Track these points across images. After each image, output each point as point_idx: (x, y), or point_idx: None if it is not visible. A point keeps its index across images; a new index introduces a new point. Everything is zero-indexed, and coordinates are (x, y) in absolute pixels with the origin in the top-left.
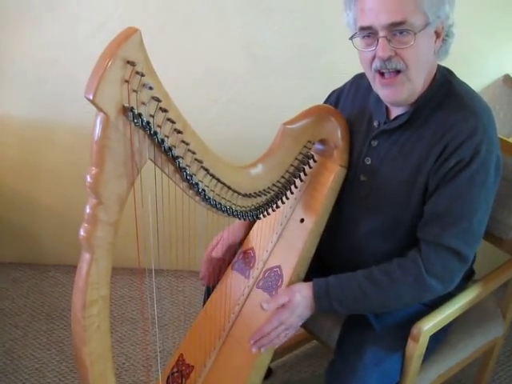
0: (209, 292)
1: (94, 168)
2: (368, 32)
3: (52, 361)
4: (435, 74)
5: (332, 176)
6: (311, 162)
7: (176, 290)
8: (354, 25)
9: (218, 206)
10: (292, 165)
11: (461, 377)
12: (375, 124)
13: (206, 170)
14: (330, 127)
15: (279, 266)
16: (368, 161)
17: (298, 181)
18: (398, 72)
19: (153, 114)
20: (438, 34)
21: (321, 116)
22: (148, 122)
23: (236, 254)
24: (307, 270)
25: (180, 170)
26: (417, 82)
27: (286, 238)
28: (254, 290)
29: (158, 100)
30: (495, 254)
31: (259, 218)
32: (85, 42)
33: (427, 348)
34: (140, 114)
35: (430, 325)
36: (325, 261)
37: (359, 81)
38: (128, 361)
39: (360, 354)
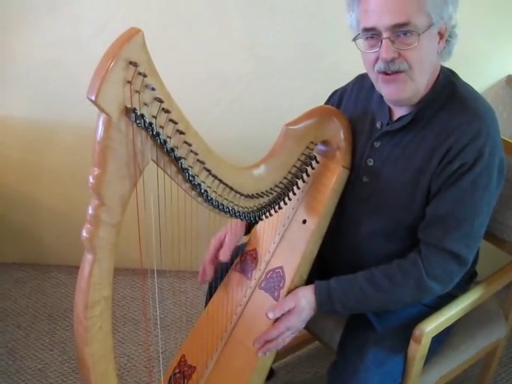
0: (211, 293)
1: (96, 169)
2: (371, 33)
3: (54, 361)
4: (438, 75)
5: (334, 177)
6: (314, 163)
7: (178, 290)
8: (356, 26)
9: (221, 206)
10: (294, 166)
11: (463, 378)
12: (378, 125)
13: (209, 170)
14: (332, 128)
15: (281, 267)
16: (370, 162)
17: (300, 182)
18: (401, 72)
19: (155, 114)
20: (441, 35)
21: (323, 117)
22: (150, 123)
23: (237, 254)
24: (309, 271)
25: (182, 170)
26: (420, 83)
27: (288, 239)
28: (256, 291)
29: (161, 101)
30: (498, 256)
31: (261, 219)
32: (87, 43)
33: (429, 349)
34: (142, 115)
35: (432, 326)
36: (327, 262)
37: (362, 81)
38: (130, 361)
39: (362, 356)
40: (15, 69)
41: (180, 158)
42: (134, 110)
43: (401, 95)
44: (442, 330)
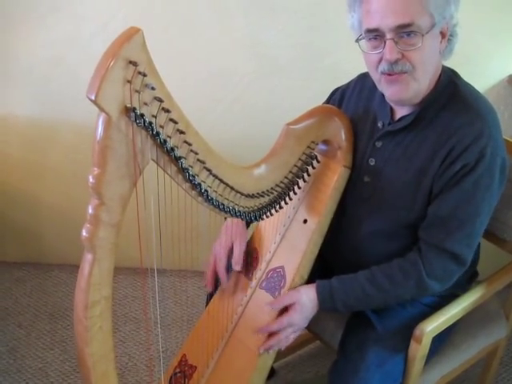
0: (212, 292)
1: (96, 168)
2: (375, 34)
3: (55, 360)
4: (440, 75)
5: (335, 177)
6: (315, 162)
7: (179, 289)
8: (358, 27)
9: (221, 206)
10: (295, 165)
11: (464, 378)
12: (379, 125)
13: (209, 170)
14: (333, 128)
15: (282, 267)
16: (372, 162)
17: (301, 181)
18: (404, 72)
19: (155, 114)
20: (443, 35)
21: (324, 116)
22: (150, 123)
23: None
24: (310, 271)
25: (183, 170)
26: (423, 83)
27: (289, 238)
28: (257, 290)
29: (161, 100)
30: (499, 255)
31: (262, 219)
32: (89, 41)
33: (430, 349)
34: (142, 115)
35: (433, 326)
36: (328, 261)
37: (363, 80)
38: (131, 360)
39: (362, 355)
40: (17, 67)
41: (180, 158)
42: (134, 109)
43: (404, 95)
44: (442, 329)
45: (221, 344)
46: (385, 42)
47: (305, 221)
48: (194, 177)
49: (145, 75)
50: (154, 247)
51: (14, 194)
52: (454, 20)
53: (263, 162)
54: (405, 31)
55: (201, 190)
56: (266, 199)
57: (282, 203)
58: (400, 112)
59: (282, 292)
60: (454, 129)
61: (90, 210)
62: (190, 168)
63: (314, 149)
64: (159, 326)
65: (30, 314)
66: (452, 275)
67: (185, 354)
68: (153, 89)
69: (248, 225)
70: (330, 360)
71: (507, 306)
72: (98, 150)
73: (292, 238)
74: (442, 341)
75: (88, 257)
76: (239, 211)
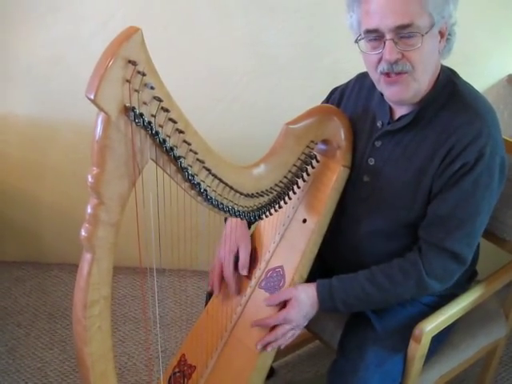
0: (211, 292)
1: (95, 168)
2: (374, 35)
3: (54, 360)
4: (439, 74)
5: (335, 176)
6: (314, 162)
7: (178, 289)
8: (357, 27)
9: (220, 205)
10: (295, 165)
11: (463, 378)
12: (379, 124)
13: (208, 170)
14: (332, 127)
15: (281, 267)
16: (371, 161)
17: (300, 181)
18: (404, 73)
19: (154, 113)
20: (442, 34)
21: (324, 116)
22: (149, 122)
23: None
24: (309, 271)
25: (182, 169)
26: (422, 82)
27: (288, 238)
28: (257, 290)
29: (160, 100)
30: (498, 255)
31: (261, 219)
32: (89, 41)
33: (429, 349)
34: (141, 114)
35: (433, 325)
36: (327, 261)
37: (362, 80)
38: (130, 360)
39: (362, 355)
40: (17, 66)
41: (179, 157)
42: (133, 108)
43: (404, 96)
44: (442, 329)
45: (220, 344)
46: (384, 43)
47: (304, 220)
48: (193, 176)
49: (144, 74)
50: (153, 247)
51: (14, 194)
52: (453, 19)
53: (262, 162)
54: (404, 32)
55: (200, 189)
56: (266, 199)
57: (282, 203)
58: (399, 111)
59: (282, 289)
60: (453, 128)
61: (89, 210)
62: (190, 167)
63: (313, 148)
64: (158, 325)
65: (29, 313)
66: (452, 274)
67: (184, 354)
68: (152, 88)
69: (250, 226)
70: (329, 360)
71: (506, 305)
72: (97, 149)
73: (291, 237)
74: (441, 340)
75: (87, 256)
76: (238, 211)
